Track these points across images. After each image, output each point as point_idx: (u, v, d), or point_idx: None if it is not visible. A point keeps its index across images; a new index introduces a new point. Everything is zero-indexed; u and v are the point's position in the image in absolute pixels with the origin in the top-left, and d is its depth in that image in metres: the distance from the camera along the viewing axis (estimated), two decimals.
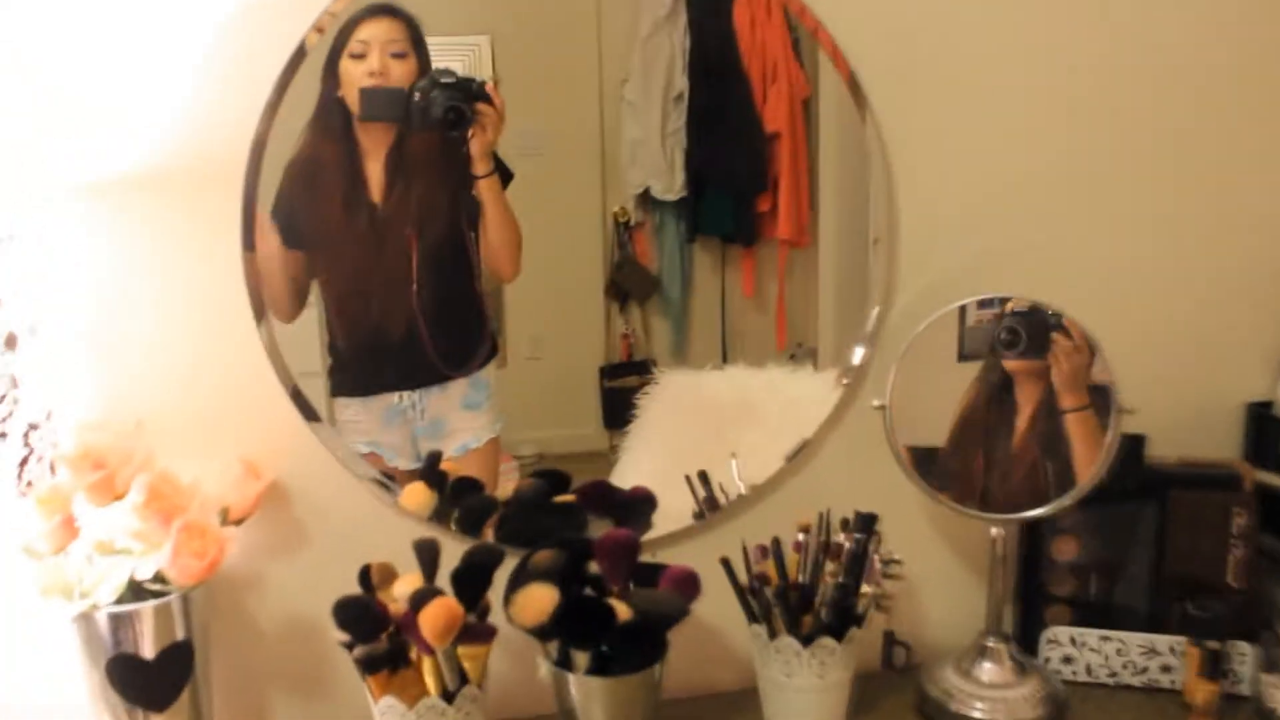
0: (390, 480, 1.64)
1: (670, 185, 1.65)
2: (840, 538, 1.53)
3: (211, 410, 1.58)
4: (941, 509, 1.64)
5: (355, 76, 1.53)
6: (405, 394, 1.66)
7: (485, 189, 1.58)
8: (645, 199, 1.65)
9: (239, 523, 1.55)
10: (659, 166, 1.64)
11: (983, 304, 1.59)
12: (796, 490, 1.72)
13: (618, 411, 1.69)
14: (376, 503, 1.63)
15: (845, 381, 1.70)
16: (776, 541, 1.54)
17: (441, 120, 1.53)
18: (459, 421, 1.68)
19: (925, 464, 1.61)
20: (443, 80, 1.53)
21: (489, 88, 1.54)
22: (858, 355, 1.69)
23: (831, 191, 1.65)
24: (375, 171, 1.58)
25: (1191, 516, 1.70)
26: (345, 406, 1.65)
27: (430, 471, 1.65)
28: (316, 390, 1.60)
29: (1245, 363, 1.85)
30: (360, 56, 1.53)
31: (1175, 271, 1.79)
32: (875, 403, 1.61)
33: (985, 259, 1.70)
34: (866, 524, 1.52)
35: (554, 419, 1.70)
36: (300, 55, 1.48)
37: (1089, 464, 1.57)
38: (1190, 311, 1.81)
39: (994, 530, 1.62)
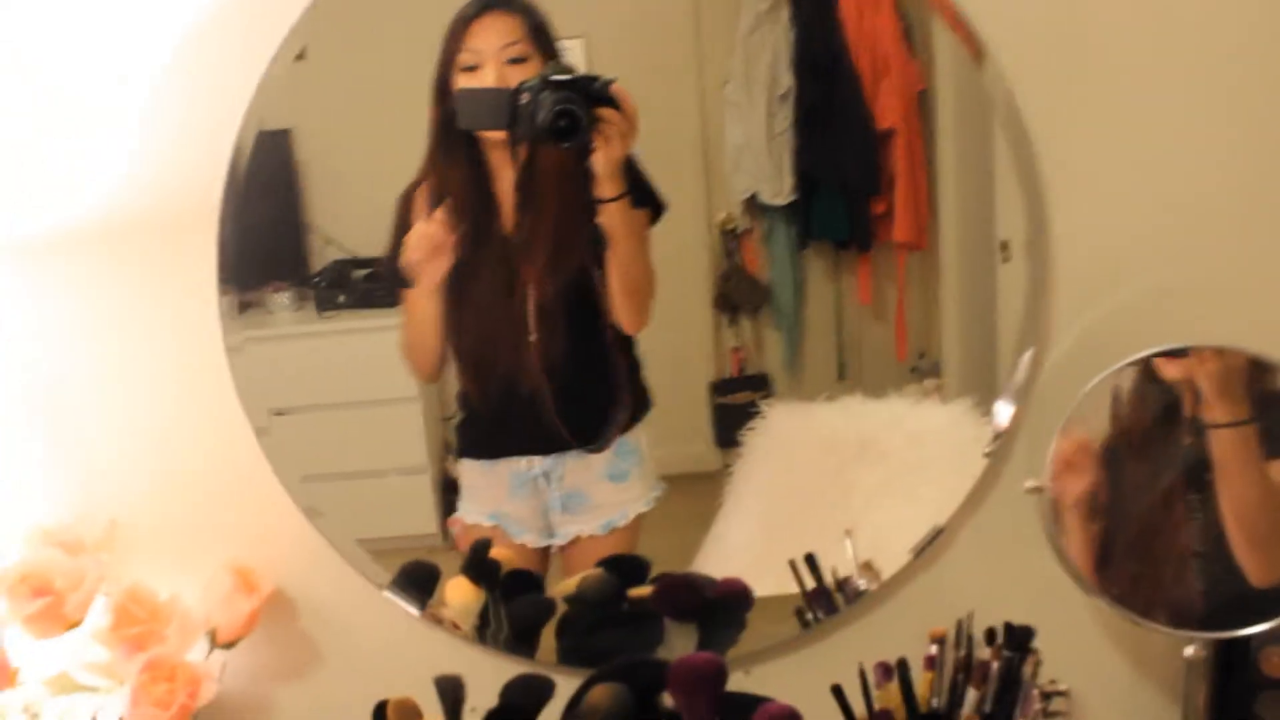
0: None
1: (779, 189, 1.56)
2: (985, 654, 1.30)
3: (195, 506, 1.40)
4: (1115, 617, 1.37)
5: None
6: (536, 459, 1.50)
7: (612, 216, 1.39)
8: (752, 205, 1.57)
9: (230, 645, 1.36)
10: (766, 170, 1.55)
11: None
12: (927, 587, 1.50)
13: (731, 429, 1.61)
14: (401, 613, 1.46)
15: (987, 451, 1.47)
16: (903, 664, 1.29)
17: (550, 128, 1.31)
18: (602, 494, 1.52)
19: (1098, 561, 1.36)
20: (554, 78, 1.32)
21: (615, 89, 1.34)
22: (1003, 414, 1.47)
23: (952, 191, 1.54)
24: (506, 195, 1.43)
25: None
26: (469, 470, 1.54)
27: (478, 564, 1.43)
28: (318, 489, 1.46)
29: None
30: (473, 69, 1.37)
31: None
32: (1029, 484, 1.36)
33: (1169, 296, 1.42)
34: (1020, 640, 1.28)
35: (664, 438, 1.61)
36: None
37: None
38: None
39: (1189, 649, 1.35)
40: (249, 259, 1.44)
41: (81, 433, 1.39)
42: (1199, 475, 1.35)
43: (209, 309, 1.40)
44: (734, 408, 1.61)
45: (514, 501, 1.52)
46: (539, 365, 1.44)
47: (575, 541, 1.54)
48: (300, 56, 1.46)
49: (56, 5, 1.35)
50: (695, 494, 1.58)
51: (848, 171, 1.57)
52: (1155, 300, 1.43)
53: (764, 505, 1.58)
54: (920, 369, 1.58)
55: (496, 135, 1.40)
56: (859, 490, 1.56)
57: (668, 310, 1.54)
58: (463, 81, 1.38)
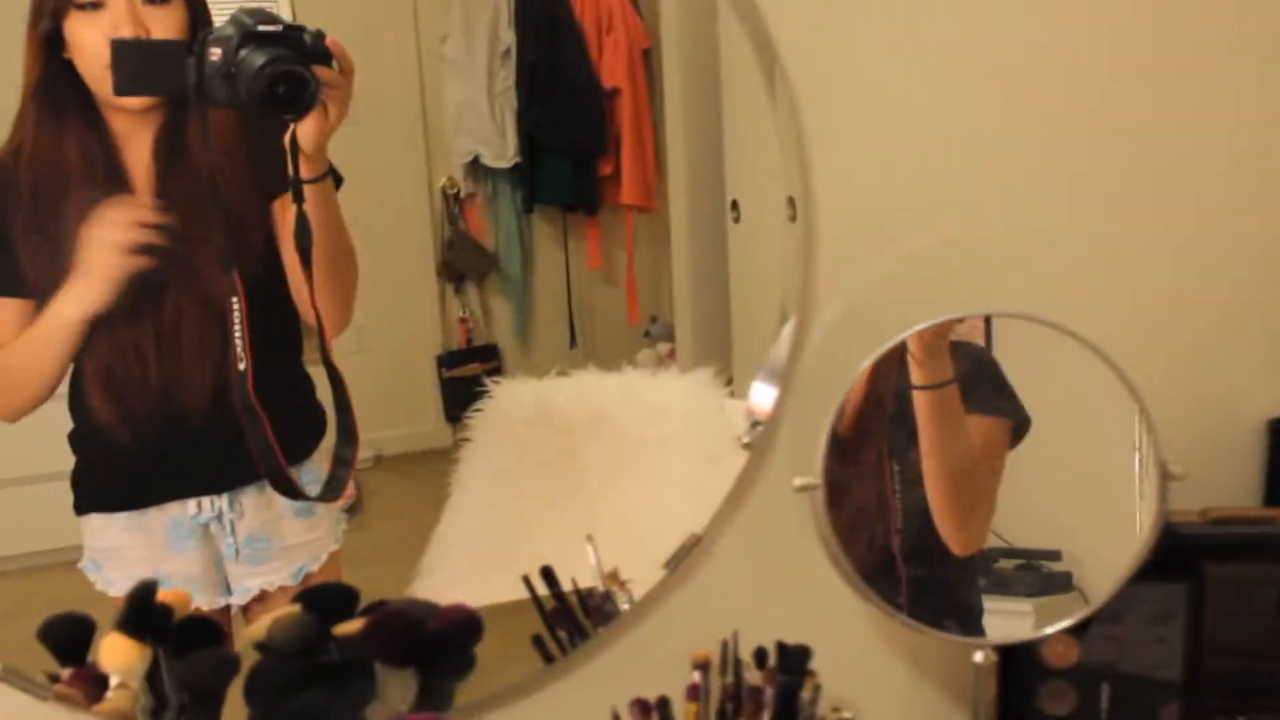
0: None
1: (502, 151, 1.49)
2: (757, 679, 1.15)
3: None
4: (892, 627, 1.29)
5: (92, 35, 1.07)
6: (207, 501, 1.23)
7: (315, 199, 1.13)
8: (475, 168, 1.50)
9: None
10: (488, 131, 1.48)
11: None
12: (686, 604, 1.34)
13: (461, 403, 1.54)
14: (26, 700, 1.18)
15: (746, 440, 1.33)
16: (664, 703, 1.13)
17: (268, 94, 1.04)
18: (289, 534, 1.28)
19: (877, 567, 1.28)
20: (259, 29, 1.06)
21: (330, 42, 1.10)
22: (763, 397, 1.34)
23: (680, 151, 1.52)
24: (140, 167, 1.15)
25: (1236, 598, 1.31)
26: (104, 528, 1.22)
27: (137, 613, 1.05)
28: None
29: (1264, 375, 1.49)
30: (95, 6, 1.07)
31: (1180, 272, 1.44)
32: (798, 482, 1.20)
33: (937, 259, 1.34)
34: (796, 660, 1.14)
35: (389, 417, 1.53)
36: None
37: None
38: (1198, 315, 1.46)
39: (978, 655, 1.27)
40: None
41: None
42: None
43: None
44: (463, 381, 1.54)
45: (176, 558, 1.24)
46: (210, 380, 1.19)
47: (261, 598, 1.29)
48: None
49: None
50: (424, 475, 1.50)
51: (572, 133, 1.53)
52: (917, 268, 1.35)
53: (494, 493, 1.46)
54: (653, 334, 1.56)
55: (119, 99, 1.10)
56: (594, 471, 1.47)
57: (389, 280, 1.47)
58: (80, 25, 1.08)
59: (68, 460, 1.23)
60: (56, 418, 1.21)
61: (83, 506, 1.23)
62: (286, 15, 1.22)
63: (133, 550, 1.23)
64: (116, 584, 1.21)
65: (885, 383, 1.28)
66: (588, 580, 1.32)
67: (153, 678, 1.08)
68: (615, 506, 1.44)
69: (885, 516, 1.30)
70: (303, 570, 1.29)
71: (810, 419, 1.25)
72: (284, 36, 1.08)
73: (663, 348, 1.53)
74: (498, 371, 1.54)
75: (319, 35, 1.11)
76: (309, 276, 1.16)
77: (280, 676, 1.09)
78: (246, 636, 1.16)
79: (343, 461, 1.26)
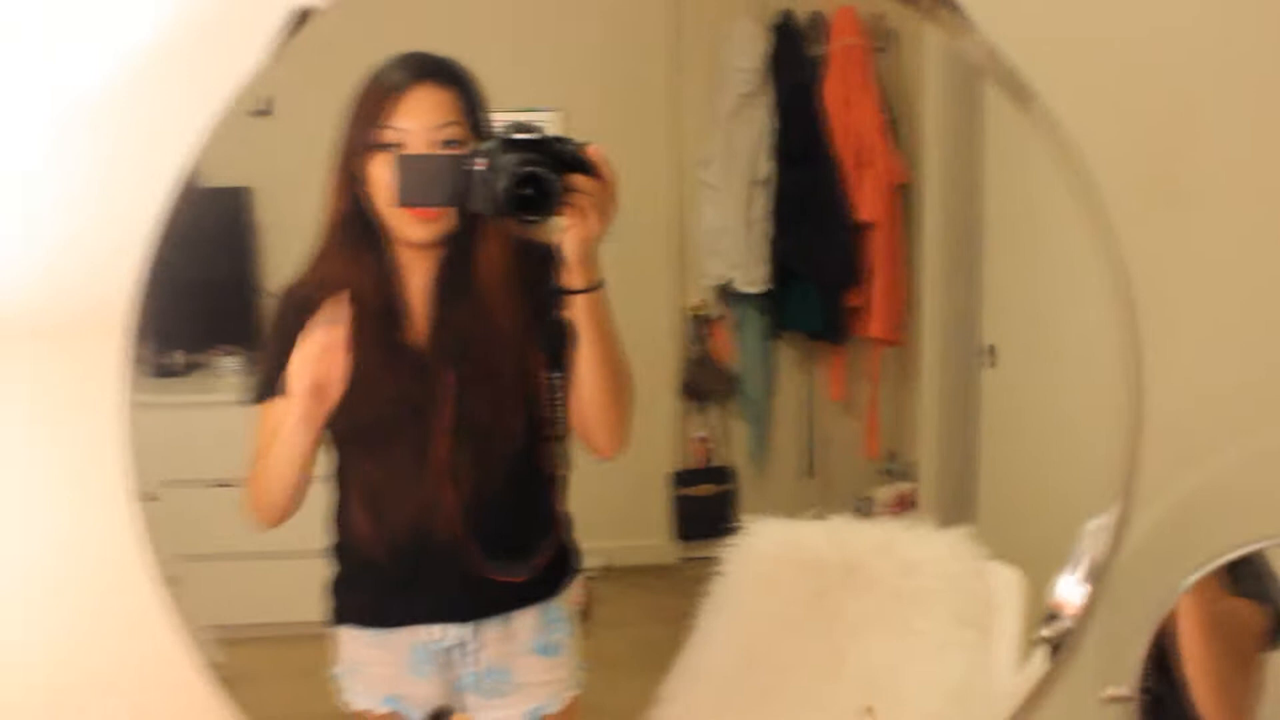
0: None
1: (753, 276, 1.51)
2: None
3: (83, 671, 1.23)
4: None
5: (387, 171, 1.15)
6: (451, 628, 1.25)
7: (585, 310, 1.15)
8: (725, 292, 1.52)
9: None
10: (741, 256, 1.51)
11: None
12: None
13: (690, 522, 1.54)
14: None
15: (1044, 634, 1.26)
16: None
17: (513, 195, 1.08)
18: (529, 672, 1.27)
19: None
20: (517, 138, 1.11)
21: (590, 151, 1.13)
22: (1072, 593, 1.27)
23: (937, 288, 1.50)
24: (418, 298, 1.21)
25: None
26: (353, 641, 1.27)
27: None
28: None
29: None
30: (394, 147, 1.15)
31: None
32: (1109, 691, 1.12)
33: (1268, 473, 1.24)
34: None
35: (619, 528, 1.55)
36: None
37: None
38: None
39: None
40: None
41: None
42: None
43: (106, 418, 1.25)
44: (695, 500, 1.55)
45: (416, 681, 1.26)
46: (459, 498, 1.21)
47: None
48: (266, 112, 1.41)
49: None
50: (647, 588, 1.52)
51: (824, 263, 1.53)
52: (1253, 475, 1.24)
53: (741, 631, 1.44)
54: (892, 470, 1.53)
55: (411, 229, 1.20)
56: (844, 618, 1.45)
57: None
58: (376, 162, 1.17)
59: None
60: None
61: (337, 618, 1.28)
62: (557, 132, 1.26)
63: (376, 667, 1.27)
64: (360, 699, 1.26)
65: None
66: None
67: None
68: (864, 657, 1.41)
69: None
70: (539, 711, 1.29)
71: (1118, 621, 1.17)
72: (539, 143, 1.13)
73: (904, 487, 1.50)
74: (732, 494, 1.54)
75: (579, 144, 1.14)
76: (559, 380, 1.19)
77: None
78: None
79: None
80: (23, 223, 1.26)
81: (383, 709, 1.25)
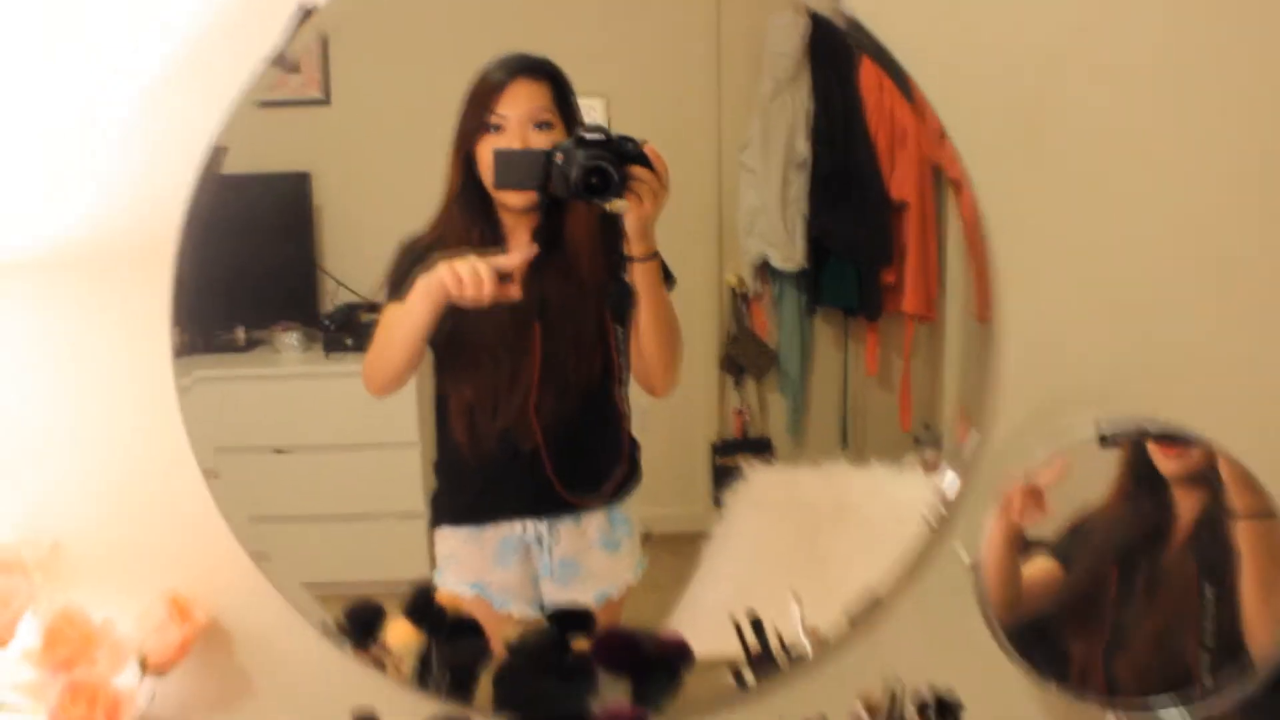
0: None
1: (790, 255, 1.57)
2: None
3: (139, 533, 1.41)
4: (1047, 696, 1.40)
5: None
6: (530, 523, 1.49)
7: (642, 275, 1.41)
8: (764, 269, 1.58)
9: (161, 673, 1.36)
10: (778, 235, 1.56)
11: (1105, 439, 1.36)
12: (863, 654, 1.50)
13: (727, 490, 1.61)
14: (335, 651, 1.46)
15: (930, 521, 1.49)
16: None
17: (582, 183, 1.35)
18: (595, 563, 1.50)
19: (1031, 638, 1.38)
20: (588, 137, 1.37)
21: (648, 148, 1.38)
22: (950, 483, 1.50)
23: (959, 265, 1.54)
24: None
25: None
26: (449, 538, 1.50)
27: (420, 606, 1.44)
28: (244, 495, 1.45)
29: None
30: (498, 130, 1.39)
31: None
32: (965, 558, 1.39)
33: (1112, 376, 1.45)
34: (949, 712, 1.30)
35: (662, 496, 1.61)
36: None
37: (1264, 619, 1.31)
38: None
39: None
40: (221, 299, 1.47)
41: (32, 453, 1.41)
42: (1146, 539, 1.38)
43: (162, 339, 1.43)
44: (733, 470, 1.60)
45: (501, 569, 1.49)
46: (542, 420, 1.44)
47: None
48: (325, 101, 1.48)
49: (28, 34, 1.39)
50: (687, 555, 1.57)
51: (859, 241, 1.58)
52: (1100, 379, 1.46)
53: (740, 568, 1.57)
54: (923, 440, 1.58)
55: (512, 199, 1.43)
56: (835, 556, 1.57)
57: None
58: (486, 143, 1.40)
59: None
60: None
61: (435, 520, 1.51)
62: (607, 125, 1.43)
63: (468, 560, 1.49)
64: (450, 585, 1.48)
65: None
66: (791, 636, 1.49)
67: (424, 657, 1.42)
68: (851, 587, 1.51)
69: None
70: (604, 595, 1.50)
71: (985, 506, 1.39)
72: (606, 142, 1.37)
73: (930, 454, 1.55)
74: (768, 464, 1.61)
75: (639, 142, 1.38)
76: (623, 333, 1.45)
77: (523, 669, 1.43)
78: (502, 638, 1.45)
79: None
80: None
81: (470, 594, 1.47)
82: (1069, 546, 1.41)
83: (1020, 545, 1.39)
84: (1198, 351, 1.47)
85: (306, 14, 1.38)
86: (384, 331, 1.44)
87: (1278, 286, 1.47)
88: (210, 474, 1.46)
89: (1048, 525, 1.41)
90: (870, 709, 1.32)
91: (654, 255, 1.41)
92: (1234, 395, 1.46)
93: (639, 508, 1.55)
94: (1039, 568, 1.41)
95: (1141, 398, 1.42)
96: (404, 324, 1.41)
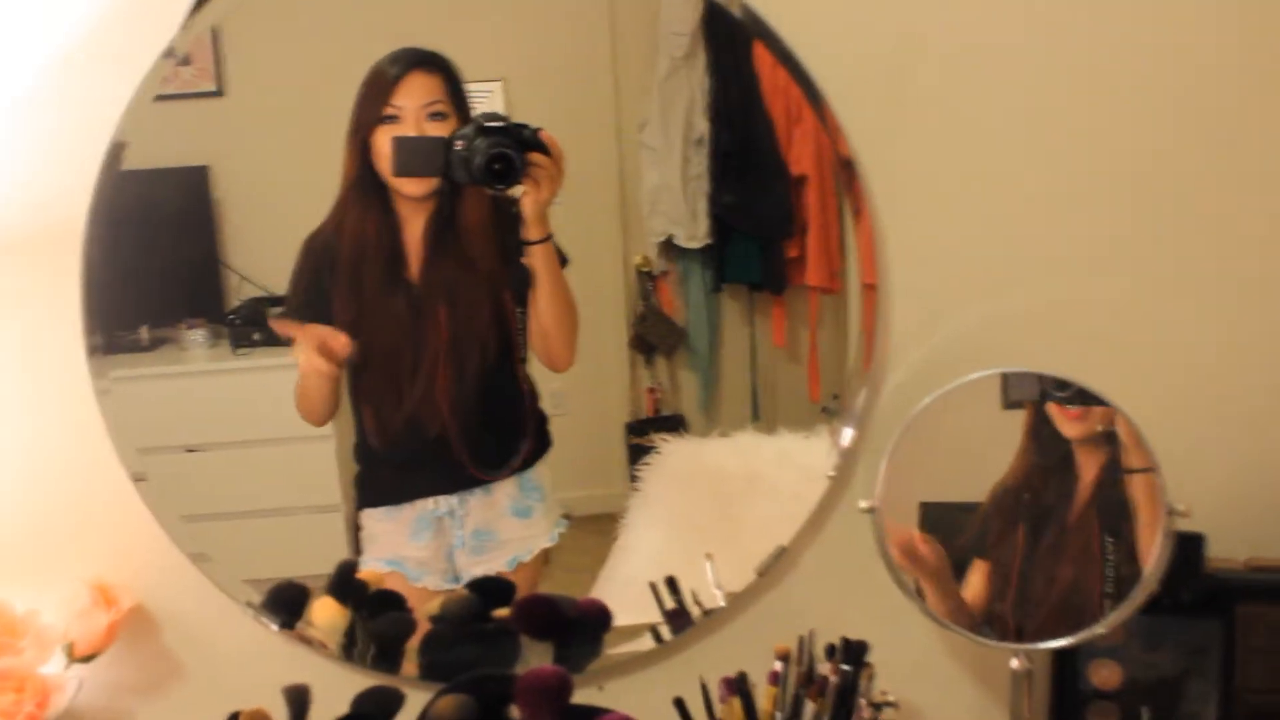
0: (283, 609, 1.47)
1: (694, 232, 1.58)
2: (825, 669, 1.34)
3: (55, 521, 1.43)
4: (950, 634, 1.44)
5: (389, 141, 1.41)
6: (441, 499, 1.53)
7: (540, 257, 1.45)
8: (668, 247, 1.59)
9: (89, 659, 1.38)
10: (681, 213, 1.57)
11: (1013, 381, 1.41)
12: (775, 607, 1.54)
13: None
14: (263, 630, 1.48)
15: (830, 474, 1.53)
16: (743, 677, 1.33)
17: (485, 170, 1.37)
18: (508, 530, 1.55)
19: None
20: (488, 125, 1.39)
21: (544, 135, 1.41)
22: (846, 438, 1.53)
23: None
24: (414, 244, 1.48)
25: (1267, 636, 1.42)
26: (370, 518, 1.54)
27: (343, 584, 1.47)
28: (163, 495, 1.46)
29: None
30: (393, 121, 1.42)
31: (1228, 340, 1.52)
32: (862, 504, 1.40)
33: (997, 327, 1.50)
34: (855, 654, 1.32)
35: (580, 478, 1.63)
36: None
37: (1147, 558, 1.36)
38: (1251, 386, 1.53)
39: (1014, 661, 1.40)
40: (127, 298, 1.46)
41: None
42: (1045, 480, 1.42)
43: (73, 323, 1.43)
44: (647, 448, 1.62)
45: (416, 545, 1.53)
46: (446, 404, 1.48)
47: None
48: (219, 93, 1.47)
49: None
50: (607, 533, 1.58)
51: (761, 216, 1.60)
52: (983, 329, 1.51)
53: (656, 540, 1.60)
54: (831, 410, 1.60)
55: (408, 188, 1.45)
56: (749, 524, 1.60)
57: (584, 351, 1.55)
58: (382, 132, 1.42)
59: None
60: None
61: (360, 503, 1.54)
62: (502, 110, 1.46)
63: (386, 537, 1.53)
64: (369, 563, 1.52)
65: None
66: (706, 594, 1.53)
67: (350, 633, 1.46)
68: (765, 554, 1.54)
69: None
70: (516, 560, 1.54)
71: (878, 457, 1.43)
72: (506, 130, 1.39)
73: (838, 423, 1.57)
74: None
75: (535, 129, 1.41)
76: (523, 314, 1.48)
77: (447, 638, 1.46)
78: (425, 610, 1.48)
79: None
80: None
81: (386, 569, 1.51)
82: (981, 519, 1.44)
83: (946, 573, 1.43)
84: (1081, 309, 1.52)
85: (198, 4, 1.37)
86: (301, 380, 1.48)
87: (1165, 241, 1.51)
88: (138, 478, 1.46)
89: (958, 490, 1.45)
90: (784, 657, 1.34)
91: (549, 237, 1.45)
92: (1121, 353, 1.51)
93: (555, 484, 1.58)
94: (976, 575, 1.44)
95: (1030, 356, 1.45)
96: (309, 391, 1.48)
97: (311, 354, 1.45)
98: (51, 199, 1.41)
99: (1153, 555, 1.36)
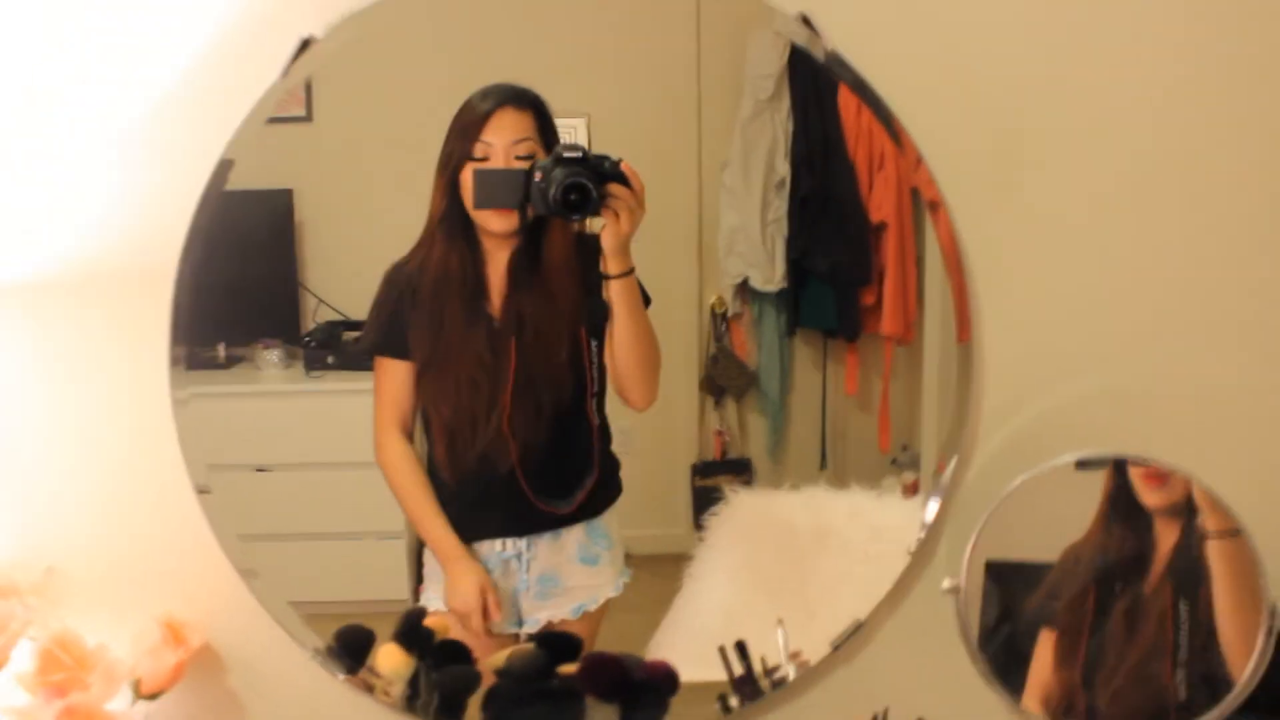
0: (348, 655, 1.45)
1: (770, 276, 1.57)
2: None
3: (132, 555, 1.42)
4: None
5: None
6: (510, 541, 1.51)
7: (618, 292, 1.42)
8: (744, 290, 1.59)
9: (154, 697, 1.36)
10: (758, 256, 1.57)
11: (1082, 464, 1.38)
12: (849, 682, 1.49)
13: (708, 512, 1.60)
14: (330, 677, 1.46)
15: (912, 548, 1.47)
16: None
17: (561, 200, 1.36)
18: (574, 577, 1.52)
19: (1010, 663, 1.40)
20: (566, 155, 1.38)
21: (624, 166, 1.39)
22: (930, 511, 1.47)
23: (938, 286, 1.54)
24: (498, 279, 1.46)
25: None
26: (433, 557, 1.52)
27: (409, 631, 1.45)
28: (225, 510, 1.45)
29: None
30: (482, 160, 1.41)
31: None
32: (945, 584, 1.38)
33: (1091, 404, 1.44)
34: None
35: (642, 518, 1.61)
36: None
37: (1242, 652, 1.32)
38: None
39: None
40: (209, 315, 1.45)
41: (26, 476, 1.41)
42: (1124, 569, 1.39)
43: (159, 361, 1.42)
44: (714, 490, 1.60)
45: None
46: (516, 441, 1.46)
47: (545, 628, 1.53)
48: (307, 118, 1.49)
49: (31, 55, 1.39)
50: (668, 575, 1.57)
51: (839, 262, 1.59)
52: (1077, 405, 1.45)
53: (723, 594, 1.57)
54: (900, 461, 1.58)
55: (493, 224, 1.44)
56: (819, 582, 1.57)
57: None
58: (470, 169, 1.42)
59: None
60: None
61: (422, 541, 1.52)
62: (589, 145, 1.45)
63: None
64: (435, 601, 1.50)
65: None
66: (775, 660, 1.48)
67: (414, 682, 1.44)
68: (834, 611, 1.51)
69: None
70: (582, 608, 1.52)
71: (969, 533, 1.39)
72: (584, 160, 1.38)
73: (907, 476, 1.55)
74: (748, 485, 1.60)
75: (615, 160, 1.39)
76: (598, 347, 1.46)
77: (511, 695, 1.43)
78: (490, 663, 1.46)
79: None
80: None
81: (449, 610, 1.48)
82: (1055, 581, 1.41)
83: None
84: (1176, 380, 1.46)
85: (305, 45, 1.37)
86: (394, 473, 1.50)
87: (1259, 315, 1.46)
88: (202, 490, 1.46)
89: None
90: None
91: (630, 271, 1.43)
92: (1211, 425, 1.45)
93: (621, 527, 1.55)
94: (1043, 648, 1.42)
95: (1119, 427, 1.42)
96: (405, 502, 1.51)
97: (470, 613, 1.47)
98: (152, 217, 1.42)
99: (1253, 655, 1.32)
